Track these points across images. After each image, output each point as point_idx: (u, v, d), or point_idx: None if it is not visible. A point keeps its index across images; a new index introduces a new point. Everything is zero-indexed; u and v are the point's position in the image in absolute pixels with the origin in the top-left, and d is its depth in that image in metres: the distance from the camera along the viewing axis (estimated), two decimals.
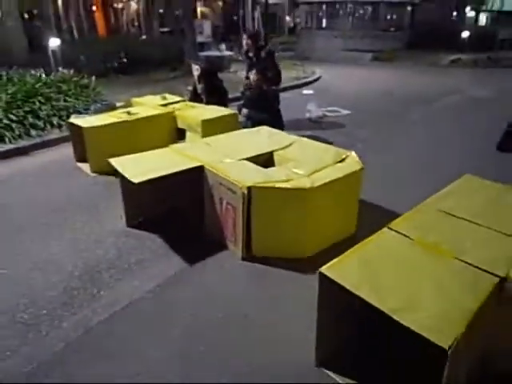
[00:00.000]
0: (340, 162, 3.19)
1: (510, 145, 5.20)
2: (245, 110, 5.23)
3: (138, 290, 2.58)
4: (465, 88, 10.24)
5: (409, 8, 20.36)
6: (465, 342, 1.50)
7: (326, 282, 1.75)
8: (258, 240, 2.88)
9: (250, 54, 5.72)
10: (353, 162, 3.16)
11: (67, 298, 2.53)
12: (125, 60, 11.23)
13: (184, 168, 3.05)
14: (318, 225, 2.90)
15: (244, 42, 5.90)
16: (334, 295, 1.79)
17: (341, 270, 1.77)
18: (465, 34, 18.14)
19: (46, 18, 19.23)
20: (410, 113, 7.55)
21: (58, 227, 3.38)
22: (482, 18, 28.19)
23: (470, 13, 28.38)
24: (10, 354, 2.13)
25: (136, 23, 25.08)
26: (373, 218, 2.88)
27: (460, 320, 1.49)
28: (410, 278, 1.75)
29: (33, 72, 7.18)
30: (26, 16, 18.18)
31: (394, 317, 1.50)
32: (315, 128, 6.38)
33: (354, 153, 3.28)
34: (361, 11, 20.36)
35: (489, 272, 1.77)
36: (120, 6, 23.91)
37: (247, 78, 5.62)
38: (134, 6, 24.90)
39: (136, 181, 2.78)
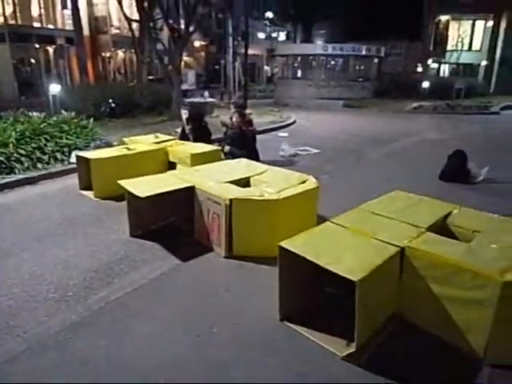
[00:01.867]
0: (302, 183, 4.08)
1: (447, 175, 6.25)
2: (227, 147, 6.15)
3: (144, 277, 3.31)
4: (422, 131, 11.58)
5: (375, 60, 22.46)
6: (372, 284, 2.32)
7: (283, 252, 2.57)
8: (238, 242, 3.67)
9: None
10: (311, 182, 4.06)
11: (87, 284, 3.24)
12: (113, 105, 12.13)
13: (180, 187, 3.88)
14: (284, 229, 3.69)
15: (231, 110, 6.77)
16: (288, 261, 2.60)
17: (293, 243, 2.60)
18: (426, 84, 20.10)
19: (35, 65, 20.44)
20: (371, 151, 8.66)
21: (71, 237, 4.10)
22: (444, 69, 30.92)
23: (432, 64, 31.18)
24: (47, 318, 2.81)
25: (123, 71, 26.56)
26: None
27: (368, 267, 2.32)
28: (339, 247, 2.58)
29: (34, 113, 8.04)
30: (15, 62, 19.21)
31: (326, 266, 2.32)
32: (288, 164, 7.33)
33: (312, 176, 4.18)
34: (332, 63, 22.34)
35: (393, 244, 2.62)
36: (108, 54, 25.42)
37: (227, 125, 6.59)
38: (121, 54, 26.47)
39: (143, 195, 3.58)
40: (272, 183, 4.05)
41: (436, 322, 2.60)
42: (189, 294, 3.11)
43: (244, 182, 4.30)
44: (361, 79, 21.69)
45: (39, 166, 6.39)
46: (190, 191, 3.97)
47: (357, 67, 22.26)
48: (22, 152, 6.32)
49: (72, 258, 3.66)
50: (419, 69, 30.54)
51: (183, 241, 4.02)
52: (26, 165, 6.21)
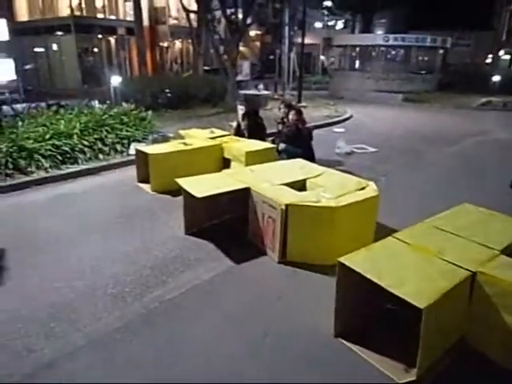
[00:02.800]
0: (361, 189, 3.91)
1: None
2: (282, 145, 6.05)
3: (198, 278, 3.34)
4: (491, 130, 10.77)
5: (440, 51, 21.16)
6: (439, 310, 2.15)
7: (342, 267, 2.46)
8: (292, 248, 3.59)
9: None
10: (371, 189, 3.87)
11: (144, 281, 3.32)
12: (170, 95, 12.40)
13: (235, 188, 3.86)
14: (340, 238, 3.58)
15: (281, 110, 6.60)
16: (347, 277, 2.48)
17: (354, 260, 2.48)
18: (496, 78, 18.66)
19: (98, 55, 21.41)
20: (432, 152, 8.18)
21: (129, 231, 4.24)
22: None
23: (504, 56, 28.89)
24: (106, 314, 2.91)
25: (179, 61, 27.14)
26: (387, 235, 3.55)
27: (434, 293, 2.15)
28: (402, 267, 2.43)
29: (96, 105, 8.42)
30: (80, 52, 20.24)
31: (389, 289, 2.19)
32: (343, 163, 7.12)
33: (372, 183, 3.99)
34: (393, 53, 21.34)
35: (462, 267, 2.42)
36: (166, 44, 26.06)
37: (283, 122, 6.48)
38: (178, 44, 27.04)
39: (199, 195, 3.60)
40: (329, 187, 3.91)
41: (505, 354, 2.38)
42: (241, 298, 3.09)
43: (300, 185, 4.20)
44: (423, 71, 20.55)
45: (100, 156, 6.67)
46: (245, 192, 3.94)
47: (420, 58, 21.11)
48: (85, 143, 6.62)
49: (130, 252, 3.78)
50: (488, 60, 28.45)
51: (237, 241, 4.01)
52: (88, 155, 6.51)
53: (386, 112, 14.83)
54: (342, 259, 2.48)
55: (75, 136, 6.67)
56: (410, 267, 2.45)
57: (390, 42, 20.14)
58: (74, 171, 6.10)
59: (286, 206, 3.49)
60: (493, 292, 2.36)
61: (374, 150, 8.27)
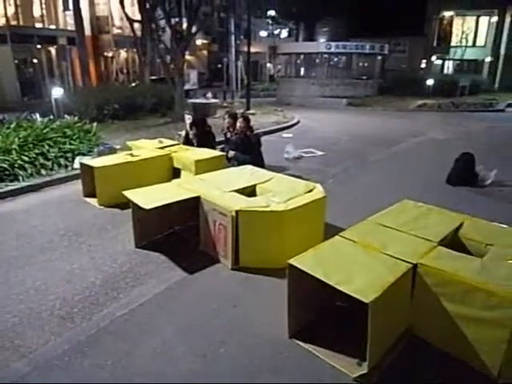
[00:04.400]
0: (309, 192, 4.02)
1: (455, 179, 6.17)
2: (231, 152, 6.09)
3: (150, 292, 3.26)
4: (428, 130, 11.47)
5: (379, 58, 22.28)
6: (385, 303, 2.26)
7: (292, 269, 2.51)
8: (244, 253, 3.61)
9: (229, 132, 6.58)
10: (318, 191, 3.99)
11: (93, 299, 3.19)
12: (117, 106, 12.08)
13: (185, 198, 3.82)
14: (290, 241, 3.65)
15: (225, 121, 6.70)
16: (298, 278, 2.54)
17: (302, 261, 2.54)
18: (430, 81, 19.94)
19: (38, 66, 20.42)
20: (376, 153, 8.57)
21: (76, 248, 4.06)
22: (448, 66, 30.68)
23: (436, 61, 30.95)
24: (54, 337, 2.77)
25: (125, 71, 26.53)
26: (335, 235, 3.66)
27: (380, 287, 2.26)
28: (350, 264, 2.52)
29: (37, 117, 8.04)
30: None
31: (337, 286, 2.26)
32: (292, 167, 7.27)
33: (319, 185, 4.12)
34: (335, 60, 22.18)
35: (404, 260, 2.56)
36: (110, 54, 25.39)
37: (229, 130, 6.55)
38: (123, 54, 26.44)
39: (148, 207, 3.53)
40: (278, 192, 3.99)
41: (449, 341, 2.54)
42: (195, 309, 3.05)
43: (249, 191, 4.25)
44: (364, 77, 21.54)
45: (43, 172, 6.35)
46: (196, 201, 3.92)
47: (360, 64, 22.11)
48: (26, 158, 6.28)
49: (77, 270, 3.62)
50: (423, 65, 30.32)
51: (188, 251, 3.97)
52: (29, 171, 6.17)
53: (332, 116, 15.35)
54: (291, 261, 2.53)
55: (14, 151, 6.31)
56: (356, 264, 2.55)
57: (333, 50, 20.94)
58: (13, 189, 5.74)
59: (236, 212, 3.51)
60: (433, 282, 2.51)
61: (321, 153, 8.52)
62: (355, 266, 2.52)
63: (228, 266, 3.63)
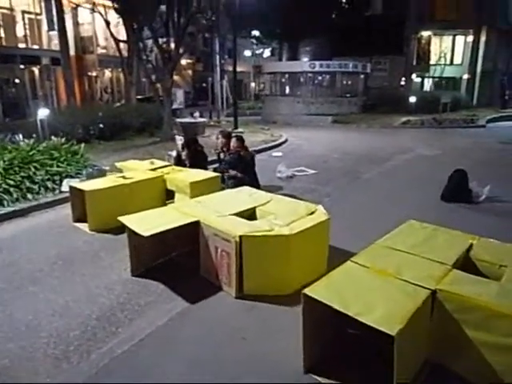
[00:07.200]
0: (311, 214, 3.92)
1: (450, 196, 6.18)
2: (232, 172, 5.92)
3: (152, 325, 3.07)
4: (414, 147, 11.59)
5: (362, 76, 22.71)
6: (408, 334, 2.14)
7: (307, 299, 2.38)
8: (248, 280, 3.46)
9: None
10: (321, 213, 3.90)
11: (90, 335, 2.99)
12: (102, 126, 11.86)
13: (184, 223, 3.67)
14: (296, 266, 3.53)
15: (219, 140, 6.60)
16: (312, 308, 2.41)
17: (317, 290, 2.41)
18: (412, 99, 20.33)
19: (21, 86, 20.11)
20: (367, 171, 8.57)
21: (69, 278, 3.84)
22: (427, 84, 31.48)
23: (416, 79, 31.72)
24: (49, 380, 2.55)
25: (110, 90, 26.36)
26: (340, 258, 3.55)
27: (402, 317, 2.15)
28: (366, 292, 2.41)
29: (22, 139, 7.80)
30: None
31: (357, 317, 2.14)
32: (286, 186, 7.19)
33: (321, 206, 4.03)
34: (320, 78, 22.50)
35: (422, 286, 2.46)
36: (94, 73, 25.23)
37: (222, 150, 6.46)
38: (108, 73, 26.30)
39: (146, 234, 3.37)
40: (279, 214, 3.88)
41: (472, 368, 2.43)
42: (202, 343, 2.87)
43: (249, 214, 4.13)
44: (348, 95, 21.86)
45: (29, 196, 6.10)
46: (194, 225, 3.77)
47: (344, 83, 22.44)
48: (11, 182, 6.03)
49: (71, 303, 3.41)
50: (403, 83, 31.02)
51: (189, 278, 3.80)
52: (14, 196, 5.92)
53: (319, 134, 15.45)
54: (306, 291, 2.41)
55: None
56: (373, 291, 2.44)
57: (317, 69, 21.24)
58: None
59: (240, 237, 3.38)
60: (453, 308, 2.41)
61: (313, 171, 8.48)
62: (372, 294, 2.41)
63: (232, 294, 3.47)
